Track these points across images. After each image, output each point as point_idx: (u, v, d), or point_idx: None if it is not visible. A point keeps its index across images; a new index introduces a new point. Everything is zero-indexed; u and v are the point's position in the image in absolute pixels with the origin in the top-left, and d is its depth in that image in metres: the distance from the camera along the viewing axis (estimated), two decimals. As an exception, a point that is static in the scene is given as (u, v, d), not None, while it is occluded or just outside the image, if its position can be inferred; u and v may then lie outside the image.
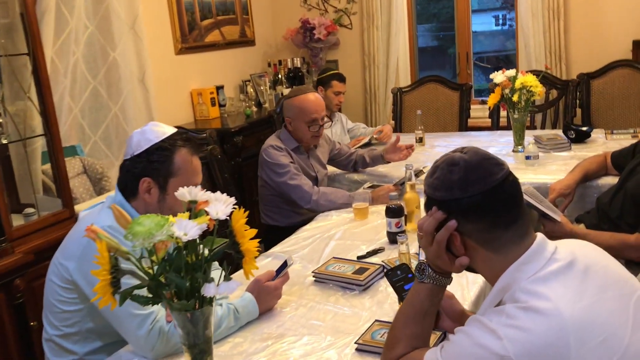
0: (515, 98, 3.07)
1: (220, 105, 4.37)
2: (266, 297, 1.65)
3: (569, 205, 2.47)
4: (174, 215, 1.18)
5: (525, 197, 2.31)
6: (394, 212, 2.12)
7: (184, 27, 4.18)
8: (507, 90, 3.11)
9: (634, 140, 3.17)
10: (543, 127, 4.18)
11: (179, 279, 1.17)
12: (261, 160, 2.80)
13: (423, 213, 2.32)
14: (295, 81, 4.80)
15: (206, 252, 1.21)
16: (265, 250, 2.85)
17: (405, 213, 2.17)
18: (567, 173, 2.57)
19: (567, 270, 1.11)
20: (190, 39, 4.25)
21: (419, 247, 1.75)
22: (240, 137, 3.85)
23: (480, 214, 1.16)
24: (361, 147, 3.69)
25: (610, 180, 2.54)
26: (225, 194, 1.23)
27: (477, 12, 9.50)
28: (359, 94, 5.12)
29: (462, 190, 1.16)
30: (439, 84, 4.39)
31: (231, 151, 3.80)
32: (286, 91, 4.70)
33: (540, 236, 1.18)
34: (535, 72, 3.80)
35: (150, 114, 3.69)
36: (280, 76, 4.82)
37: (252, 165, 3.96)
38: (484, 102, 4.78)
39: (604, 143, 3.21)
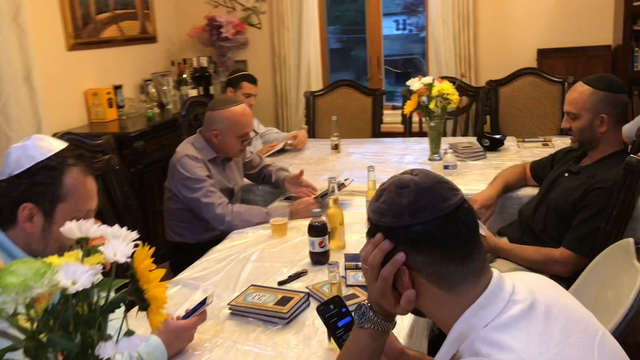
0: (432, 106, 3.00)
1: (119, 107, 4.01)
2: (176, 339, 1.43)
3: (491, 217, 2.42)
4: (62, 248, 0.93)
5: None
6: (317, 230, 1.94)
7: (77, 20, 3.79)
8: (423, 98, 3.04)
9: (545, 149, 3.23)
10: (454, 134, 4.18)
11: (66, 340, 0.93)
12: (172, 171, 2.52)
13: (349, 230, 2.24)
14: (202, 82, 4.53)
15: (102, 300, 0.97)
16: (172, 271, 2.60)
17: (329, 230, 2.00)
18: (488, 184, 2.52)
19: (529, 315, 0.98)
20: (85, 34, 3.86)
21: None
22: (141, 142, 3.53)
23: (431, 244, 1.01)
24: (275, 153, 3.50)
25: (530, 192, 2.52)
26: (125, 228, 1.00)
27: (389, 16, 9.59)
28: (270, 97, 4.92)
29: (412, 216, 1.01)
30: (352, 89, 4.28)
31: (131, 158, 3.47)
32: (192, 92, 4.42)
33: (496, 274, 1.04)
34: (450, 79, 3.79)
35: (37, 116, 3.29)
36: (185, 76, 4.51)
37: (155, 173, 3.66)
38: (395, 108, 4.75)
39: (517, 151, 3.22)
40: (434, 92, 3.00)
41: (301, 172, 2.73)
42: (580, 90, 2.13)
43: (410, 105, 3.11)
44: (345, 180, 2.63)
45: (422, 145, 3.44)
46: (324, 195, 2.52)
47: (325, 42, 4.94)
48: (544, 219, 2.19)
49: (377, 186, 2.17)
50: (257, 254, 2.08)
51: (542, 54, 4.24)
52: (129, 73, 4.31)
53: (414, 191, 1.02)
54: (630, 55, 3.88)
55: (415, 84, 3.05)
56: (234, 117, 2.54)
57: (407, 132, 4.15)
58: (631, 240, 1.70)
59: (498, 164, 2.98)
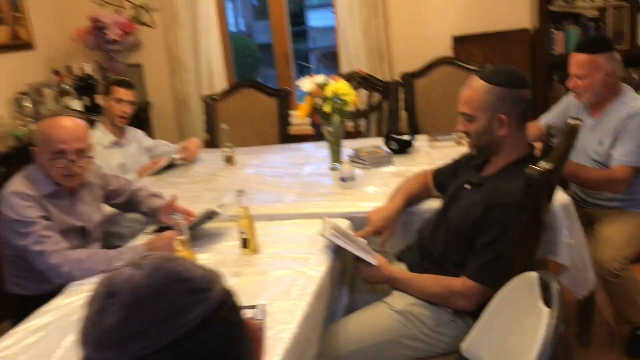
0: (327, 109, 2.62)
1: (-17, 126, 3.48)
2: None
3: (389, 239, 2.06)
4: None
5: (333, 238, 1.86)
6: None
7: None
8: (318, 100, 2.66)
9: (458, 148, 2.90)
10: (367, 135, 3.83)
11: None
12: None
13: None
14: (87, 91, 4.03)
15: None
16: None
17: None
18: (387, 199, 2.16)
19: None
20: None
21: None
22: (2, 168, 3.02)
23: None
24: (161, 171, 3.06)
25: (435, 204, 2.17)
26: None
27: (318, 8, 9.29)
28: (169, 103, 4.45)
29: (116, 348, 0.61)
30: (254, 90, 3.87)
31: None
32: (75, 104, 3.92)
33: None
34: (355, 76, 3.43)
35: None
36: (67, 86, 4.00)
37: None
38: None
39: (427, 153, 2.89)
40: (328, 92, 2.62)
41: (173, 199, 2.30)
42: (474, 87, 1.79)
43: (303, 109, 2.72)
44: (220, 206, 2.21)
45: (327, 152, 3.06)
46: (195, 225, 2.11)
47: (227, 39, 4.50)
48: (444, 241, 1.85)
49: (248, 214, 1.79)
50: (90, 316, 1.65)
51: (458, 41, 3.93)
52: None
53: (122, 305, 0.63)
54: (548, 38, 3.61)
55: (306, 84, 2.67)
56: (46, 129, 2.03)
57: (317, 135, 3.77)
58: (535, 275, 1.36)
59: (405, 171, 2.63)
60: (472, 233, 1.75)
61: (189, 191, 2.68)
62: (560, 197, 1.98)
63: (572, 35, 3.57)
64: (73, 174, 2.07)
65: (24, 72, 3.99)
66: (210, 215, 2.14)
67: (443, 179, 2.14)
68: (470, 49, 3.90)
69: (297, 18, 8.49)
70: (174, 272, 0.68)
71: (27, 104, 3.79)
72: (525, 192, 1.53)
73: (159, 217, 2.32)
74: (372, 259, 1.84)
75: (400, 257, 2.04)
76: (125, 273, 0.68)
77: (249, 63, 7.77)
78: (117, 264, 1.82)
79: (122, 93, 3.10)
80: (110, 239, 2.46)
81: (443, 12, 4.02)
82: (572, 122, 1.61)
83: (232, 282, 1.77)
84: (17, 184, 2.04)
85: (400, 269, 1.93)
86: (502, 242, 1.67)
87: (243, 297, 1.64)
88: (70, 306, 1.72)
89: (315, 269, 1.79)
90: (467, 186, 1.88)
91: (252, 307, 1.56)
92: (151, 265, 0.68)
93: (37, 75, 4.10)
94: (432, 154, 2.86)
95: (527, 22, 3.91)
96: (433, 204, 2.18)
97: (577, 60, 2.41)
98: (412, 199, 2.15)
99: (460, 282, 1.72)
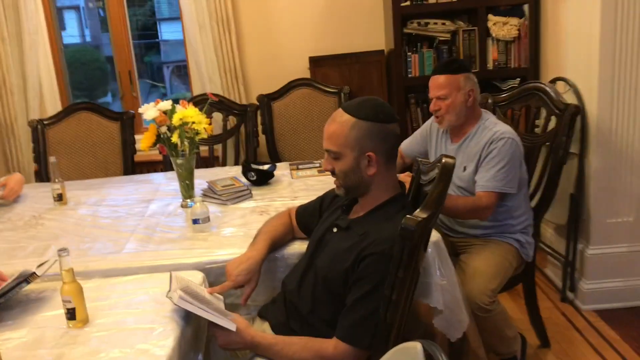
0: (174, 139, 2.30)
1: None
2: None
3: (252, 293, 1.79)
4: None
5: (182, 303, 1.55)
6: None
7: None
8: (163, 129, 2.33)
9: (321, 177, 2.73)
10: (224, 161, 3.54)
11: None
12: None
13: None
14: None
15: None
16: None
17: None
18: (249, 245, 1.89)
19: None
20: None
21: None
22: None
23: None
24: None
25: (300, 247, 1.94)
26: None
27: (169, 20, 8.82)
28: (-9, 128, 3.83)
29: None
30: (92, 113, 3.42)
31: None
32: None
33: None
34: (203, 100, 3.14)
35: None
36: None
37: None
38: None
39: (289, 184, 2.67)
40: (175, 120, 2.30)
41: None
42: (339, 121, 1.59)
43: (147, 139, 2.37)
44: (40, 266, 1.81)
45: (178, 184, 2.73)
46: (7, 292, 1.69)
47: (59, 56, 3.98)
48: (312, 295, 1.63)
49: (74, 278, 1.43)
50: None
51: (314, 62, 3.79)
52: None
53: None
54: (403, 60, 3.58)
55: (149, 111, 2.32)
56: None
57: (168, 162, 3.42)
58: (419, 346, 1.17)
59: (266, 206, 2.38)
60: (342, 285, 1.54)
61: (6, 241, 2.22)
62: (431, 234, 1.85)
63: (426, 57, 3.58)
64: None
65: None
66: (27, 279, 1.72)
67: (308, 219, 1.92)
68: (327, 70, 3.79)
69: (149, 31, 8.01)
70: None
71: None
72: (402, 246, 1.35)
73: None
74: (230, 323, 1.56)
75: (262, 315, 1.78)
76: None
77: (97, 76, 7.16)
78: None
79: None
80: None
81: (299, 33, 3.87)
82: (445, 160, 1.47)
83: (51, 370, 1.41)
84: None
85: (263, 331, 1.68)
86: (375, 297, 1.47)
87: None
88: None
89: (160, 344, 1.47)
90: (335, 229, 1.68)
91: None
92: None
93: None
94: (294, 184, 2.65)
95: (382, 44, 3.88)
96: (297, 247, 1.96)
97: (437, 82, 2.35)
98: (276, 244, 1.90)
99: (332, 345, 1.50)
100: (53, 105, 3.85)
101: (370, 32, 3.86)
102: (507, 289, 2.45)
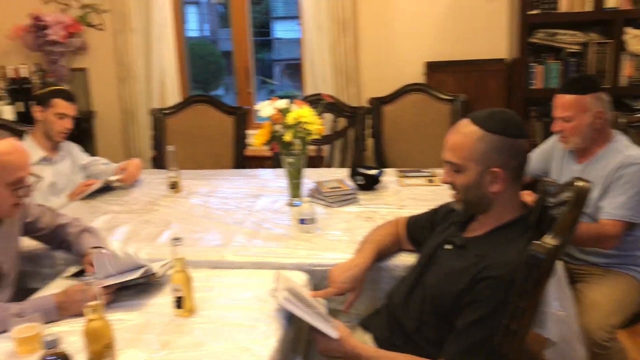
0: (288, 137, 2.30)
1: None
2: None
3: (355, 301, 1.75)
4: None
5: (287, 305, 1.53)
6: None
7: None
8: (278, 127, 2.34)
9: (431, 187, 2.63)
10: (331, 163, 3.53)
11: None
12: None
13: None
14: (20, 95, 3.61)
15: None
16: None
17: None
18: (354, 252, 1.85)
19: None
20: None
21: None
22: None
23: None
24: (93, 195, 2.68)
25: (407, 259, 1.87)
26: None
27: (283, 19, 9.04)
28: (115, 114, 4.06)
29: None
30: (209, 106, 3.53)
31: None
32: (6, 109, 3.51)
33: None
34: (316, 100, 3.13)
35: None
36: (-2, 89, 3.58)
37: None
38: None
39: (396, 192, 2.60)
40: (290, 119, 2.31)
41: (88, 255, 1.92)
42: (464, 132, 1.50)
43: (261, 136, 2.39)
44: (162, 266, 1.85)
45: (286, 181, 2.74)
46: (127, 281, 1.75)
47: (183, 48, 4.14)
48: (419, 313, 1.55)
49: (185, 267, 1.46)
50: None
51: (431, 67, 3.69)
52: None
53: None
54: (526, 71, 3.39)
55: (265, 108, 2.35)
56: None
57: (277, 158, 3.45)
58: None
59: (371, 212, 2.33)
60: (453, 307, 1.46)
61: (122, 223, 2.31)
62: (551, 261, 1.72)
63: (552, 69, 3.37)
64: (22, 201, 1.80)
65: (-51, 71, 3.55)
66: (147, 277, 1.77)
67: (418, 232, 1.84)
68: (443, 77, 3.67)
69: (263, 28, 8.24)
70: None
71: (-51, 107, 3.36)
72: (527, 274, 1.25)
73: (84, 262, 1.95)
74: (332, 330, 1.53)
75: (365, 325, 1.73)
76: None
77: (212, 70, 7.47)
78: (13, 326, 1.45)
79: (64, 107, 2.72)
80: (28, 280, 2.07)
81: (417, 37, 3.77)
82: (581, 184, 1.34)
83: (158, 356, 1.44)
84: None
85: (364, 342, 1.62)
86: (489, 324, 1.38)
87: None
88: (-56, 384, 1.34)
89: (263, 342, 1.46)
90: (448, 246, 1.59)
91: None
92: None
93: (-35, 74, 3.66)
94: (402, 192, 2.57)
95: (504, 53, 3.71)
96: (404, 259, 1.89)
97: (563, 102, 2.18)
98: (382, 254, 1.84)
99: (437, 368, 1.43)
100: (173, 95, 4.01)
101: (491, 39, 3.70)
102: (628, 327, 2.24)
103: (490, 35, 3.70)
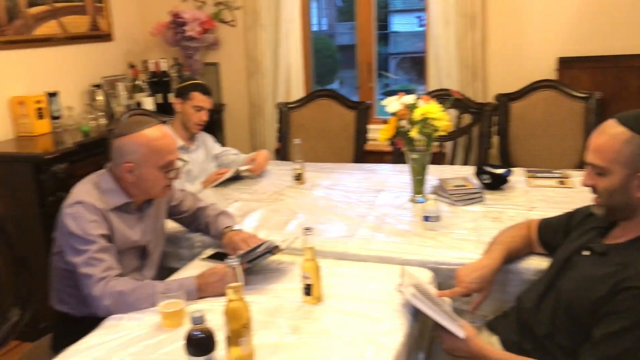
0: (413, 133, 2.30)
1: (53, 118, 3.38)
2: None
3: (482, 303, 1.72)
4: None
5: (414, 301, 1.54)
6: (198, 345, 1.27)
7: (0, 15, 3.17)
8: (403, 122, 2.35)
9: (561, 189, 2.52)
10: (453, 160, 3.47)
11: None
12: (59, 220, 1.87)
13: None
14: (159, 87, 3.88)
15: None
16: (53, 349, 1.96)
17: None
18: (482, 253, 1.82)
19: None
20: (11, 31, 3.23)
21: None
22: (63, 164, 2.88)
23: None
24: (224, 183, 2.84)
25: (538, 263, 1.81)
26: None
27: (401, 12, 9.00)
28: (243, 107, 4.25)
29: None
30: (332, 101, 3.60)
31: (49, 184, 2.83)
32: (147, 101, 3.78)
33: None
34: (445, 95, 3.09)
35: None
36: (140, 81, 3.87)
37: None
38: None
39: (525, 192, 2.51)
40: (417, 115, 2.30)
41: (242, 237, 2.05)
42: (611, 134, 1.42)
43: (387, 131, 2.41)
44: (284, 241, 1.94)
45: (407, 177, 2.73)
46: (253, 259, 1.85)
47: (308, 44, 4.25)
48: (551, 319, 1.50)
49: (315, 257, 1.52)
50: (122, 366, 1.42)
51: (564, 63, 3.51)
52: (74, 77, 3.68)
53: None
54: (673, 68, 3.13)
55: (392, 103, 2.36)
56: (151, 141, 1.87)
57: (397, 154, 3.46)
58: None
59: (498, 212, 2.28)
60: (589, 315, 1.39)
61: (252, 211, 2.43)
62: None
63: None
64: (171, 183, 1.97)
65: (100, 64, 3.89)
66: (271, 250, 1.87)
67: (551, 235, 1.78)
68: (577, 73, 3.48)
69: (381, 22, 8.25)
70: None
71: (100, 97, 3.68)
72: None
73: (223, 244, 2.09)
74: (459, 329, 1.52)
75: (491, 327, 1.70)
76: None
77: (327, 64, 7.60)
78: (163, 301, 1.58)
79: (202, 101, 2.91)
80: (168, 259, 2.25)
81: (549, 31, 3.60)
82: None
83: (289, 340, 1.51)
84: (86, 192, 1.86)
85: (491, 344, 1.60)
86: (632, 336, 1.30)
87: (300, 364, 1.37)
88: (103, 348, 1.49)
89: (389, 336, 1.48)
90: (586, 252, 1.52)
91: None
92: None
93: (114, 68, 4.00)
94: (531, 193, 2.48)
95: (646, 47, 3.44)
96: (534, 262, 1.83)
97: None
98: (512, 256, 1.79)
99: (571, 378, 1.37)
100: (297, 90, 4.13)
101: (634, 33, 3.44)
102: None
103: (632, 29, 3.44)
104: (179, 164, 1.97)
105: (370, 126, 3.59)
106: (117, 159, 1.91)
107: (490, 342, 1.61)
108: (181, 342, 1.45)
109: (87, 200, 1.83)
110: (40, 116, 3.28)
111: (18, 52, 3.29)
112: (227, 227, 2.10)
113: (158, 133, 1.91)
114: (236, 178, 2.92)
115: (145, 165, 1.88)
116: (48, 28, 3.48)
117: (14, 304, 2.02)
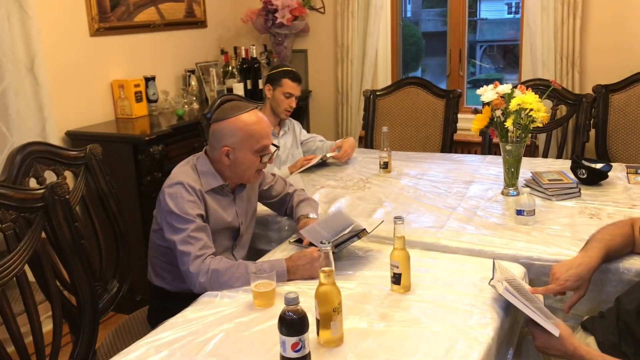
0: (508, 124, 2.24)
1: (150, 101, 3.55)
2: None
3: (577, 302, 1.66)
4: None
5: (507, 295, 1.51)
6: (290, 325, 1.31)
7: (105, 2, 3.34)
8: (498, 112, 2.28)
9: (666, 187, 2.37)
10: (546, 153, 3.34)
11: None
12: (160, 199, 1.96)
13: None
14: (250, 74, 3.97)
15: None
16: (148, 321, 2.07)
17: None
18: (579, 250, 1.75)
19: None
20: (114, 17, 3.41)
21: None
22: (159, 145, 3.02)
23: None
24: (311, 168, 2.88)
25: (639, 262, 1.73)
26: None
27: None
28: (329, 94, 4.28)
29: None
30: (420, 89, 3.55)
31: (146, 164, 2.97)
32: (237, 86, 3.88)
33: None
34: (540, 85, 2.98)
35: (41, 111, 2.87)
36: (231, 67, 3.97)
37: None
38: (477, 112, 3.94)
39: (625, 189, 2.38)
40: (512, 105, 2.23)
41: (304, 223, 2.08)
42: None
43: (480, 121, 2.36)
44: (371, 224, 1.95)
45: (498, 169, 2.67)
46: (341, 244, 1.87)
47: (397, 31, 4.20)
48: (656, 323, 1.42)
49: (405, 246, 1.51)
50: (218, 341, 1.47)
51: (673, 53, 3.28)
52: (170, 62, 3.83)
53: None
54: None
55: (487, 93, 2.30)
56: (248, 125, 1.93)
57: (486, 145, 3.37)
58: None
59: (596, 208, 2.18)
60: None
61: (339, 197, 2.45)
62: None
63: None
64: (263, 168, 2.03)
65: (194, 50, 4.02)
66: (358, 234, 1.89)
67: (656, 236, 1.68)
68: (685, 64, 3.25)
69: (470, 8, 8.04)
70: None
71: (193, 82, 3.81)
72: None
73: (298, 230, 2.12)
74: (554, 327, 1.47)
75: (586, 327, 1.64)
76: None
77: (412, 51, 7.48)
78: (255, 281, 1.63)
79: (293, 88, 2.96)
80: (257, 241, 2.32)
81: (657, 18, 3.37)
82: None
83: (377, 327, 1.51)
84: (185, 174, 1.94)
85: (587, 345, 1.54)
86: None
87: (389, 351, 1.37)
88: (199, 323, 1.56)
89: (480, 330, 1.46)
90: (697, 255, 1.43)
91: (400, 371, 1.28)
92: None
93: (207, 54, 4.13)
94: (632, 190, 2.36)
95: None
96: (636, 263, 1.74)
97: None
98: (611, 254, 1.71)
99: (677, 386, 1.30)
100: (384, 77, 4.11)
101: None
102: None
103: None
104: (272, 149, 2.01)
105: (461, 115, 3.52)
106: (214, 142, 1.97)
107: (586, 343, 1.55)
108: (272, 322, 1.51)
109: (186, 181, 1.90)
110: (139, 99, 3.44)
111: (119, 37, 3.46)
112: (303, 215, 2.13)
113: (254, 118, 1.96)
114: (322, 164, 2.95)
115: (242, 149, 1.93)
116: (147, 15, 3.64)
117: (114, 277, 2.15)
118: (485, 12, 8.57)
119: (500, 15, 7.72)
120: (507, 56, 6.17)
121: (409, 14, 8.92)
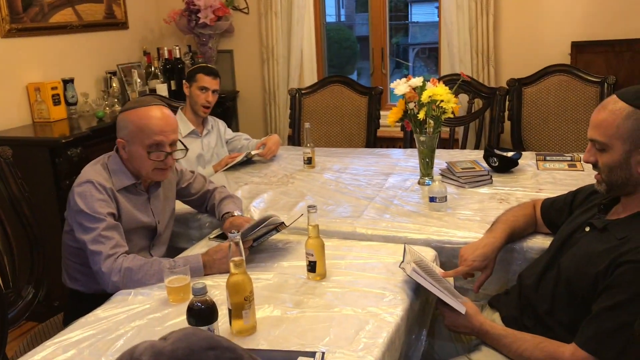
0: (421, 115, 2.31)
1: (69, 104, 3.45)
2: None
3: (485, 281, 1.73)
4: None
5: (415, 276, 1.56)
6: (199, 315, 1.31)
7: (16, 3, 3.22)
8: (411, 105, 2.35)
9: (571, 172, 2.51)
10: (464, 145, 3.47)
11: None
12: (69, 199, 1.90)
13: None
14: (173, 74, 3.93)
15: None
16: (64, 325, 2.01)
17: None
18: (485, 232, 1.83)
19: None
20: (27, 18, 3.29)
21: None
22: (77, 149, 2.94)
23: None
24: (236, 166, 2.87)
25: (542, 242, 1.82)
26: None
27: (423, 2, 8.93)
28: (258, 94, 4.28)
29: None
30: (344, 87, 3.61)
31: (64, 168, 2.89)
32: (161, 87, 3.83)
33: None
34: (455, 79, 3.09)
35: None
36: (154, 68, 3.91)
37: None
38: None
39: (533, 175, 2.51)
40: (424, 97, 2.31)
41: (238, 220, 2.06)
42: (612, 109, 1.42)
43: (394, 114, 2.42)
44: (290, 217, 1.97)
45: (416, 161, 2.75)
46: (259, 237, 1.89)
47: (321, 30, 4.26)
48: (552, 295, 1.51)
49: (318, 234, 1.53)
50: (129, 337, 1.45)
51: (578, 47, 3.47)
52: (89, 64, 3.73)
53: None
54: (689, 51, 3.09)
55: (400, 86, 2.37)
56: (142, 119, 1.85)
57: (408, 139, 3.47)
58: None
59: (506, 193, 2.28)
60: (589, 290, 1.40)
61: (262, 193, 2.46)
62: None
63: None
64: (165, 167, 1.92)
65: (115, 52, 3.94)
66: (276, 227, 1.90)
67: (555, 214, 1.78)
68: (591, 58, 3.45)
69: (401, 12, 8.20)
70: (199, 341, 0.68)
71: (115, 84, 3.74)
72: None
73: (224, 226, 2.11)
74: (460, 304, 1.53)
75: (493, 304, 1.71)
76: (149, 343, 0.69)
77: (346, 54, 7.59)
78: (169, 277, 1.62)
79: (207, 81, 2.93)
80: (177, 239, 2.29)
81: (563, 15, 3.57)
82: None
83: (291, 314, 1.54)
84: (95, 172, 1.89)
85: (492, 320, 1.61)
86: (628, 310, 1.30)
87: (301, 336, 1.40)
88: (110, 321, 1.53)
89: (390, 311, 1.50)
90: (587, 228, 1.52)
91: (311, 354, 1.30)
92: (176, 337, 0.69)
93: (129, 55, 4.05)
94: (540, 176, 2.48)
95: (663, 31, 3.39)
96: (538, 241, 1.84)
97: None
98: (515, 234, 1.80)
99: (570, 351, 1.38)
100: (310, 77, 4.15)
101: (649, 17, 3.40)
102: None
103: (648, 12, 3.40)
104: (171, 148, 1.90)
105: (383, 112, 3.60)
106: (117, 135, 1.93)
107: (491, 319, 1.62)
108: (182, 319, 1.50)
109: (95, 180, 1.85)
110: (57, 102, 3.34)
111: (34, 39, 3.35)
112: (227, 212, 2.11)
113: (152, 113, 1.87)
114: (248, 162, 2.96)
115: (134, 142, 1.87)
116: (63, 16, 3.53)
117: (29, 283, 2.08)
118: (417, 15, 8.79)
119: (431, 18, 7.94)
120: (435, 57, 6.34)
121: (342, 18, 9.04)
